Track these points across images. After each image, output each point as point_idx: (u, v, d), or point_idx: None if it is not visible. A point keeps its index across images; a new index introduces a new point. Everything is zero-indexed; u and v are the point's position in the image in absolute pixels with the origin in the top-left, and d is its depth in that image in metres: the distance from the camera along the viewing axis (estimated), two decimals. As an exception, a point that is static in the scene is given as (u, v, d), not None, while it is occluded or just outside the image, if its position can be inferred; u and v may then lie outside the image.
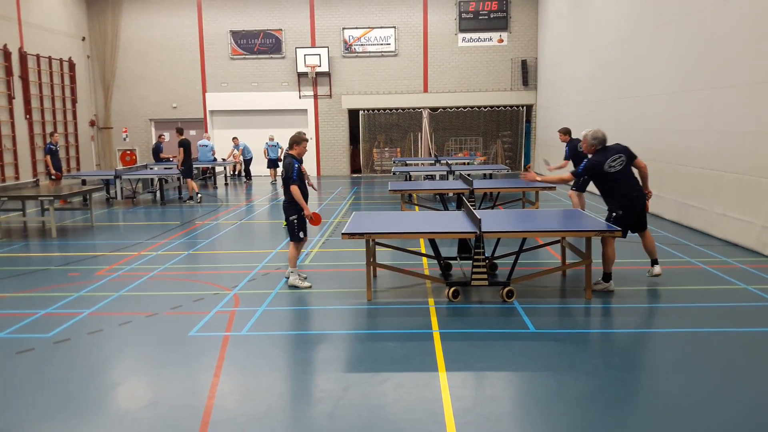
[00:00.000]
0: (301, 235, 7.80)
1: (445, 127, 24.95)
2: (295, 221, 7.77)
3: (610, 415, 4.42)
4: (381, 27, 23.81)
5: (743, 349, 5.62)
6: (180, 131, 16.71)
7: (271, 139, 22.19)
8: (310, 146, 24.40)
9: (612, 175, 7.33)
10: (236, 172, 23.73)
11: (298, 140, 7.76)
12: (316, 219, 7.75)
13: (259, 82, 24.23)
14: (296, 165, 7.64)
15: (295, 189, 7.58)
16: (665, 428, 4.22)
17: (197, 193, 16.42)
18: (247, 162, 22.33)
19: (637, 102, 13.79)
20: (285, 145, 23.13)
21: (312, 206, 14.90)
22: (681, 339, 5.97)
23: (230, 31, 23.95)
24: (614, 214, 7.37)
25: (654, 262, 7.66)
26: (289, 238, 7.93)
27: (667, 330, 6.20)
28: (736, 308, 6.76)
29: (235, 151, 22.32)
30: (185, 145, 16.07)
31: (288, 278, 7.87)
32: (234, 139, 22.55)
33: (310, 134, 24.42)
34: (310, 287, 7.70)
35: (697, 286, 7.56)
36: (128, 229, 12.88)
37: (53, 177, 15.91)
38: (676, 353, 5.63)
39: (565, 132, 12.30)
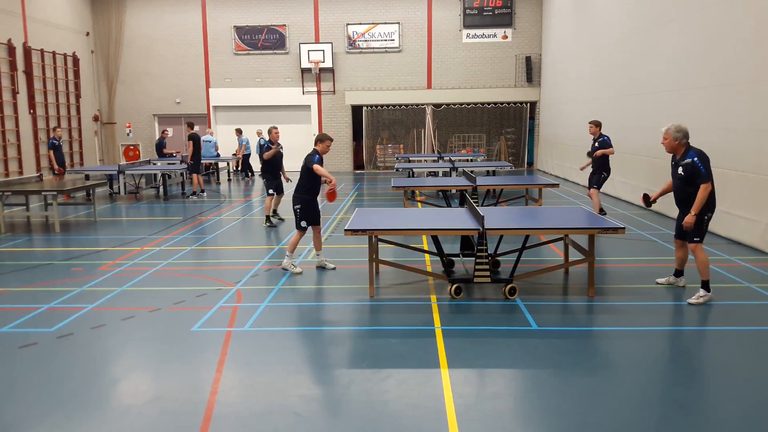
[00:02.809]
0: (303, 224, 8.26)
1: (448, 123, 24.91)
2: (299, 211, 8.27)
3: (613, 413, 4.41)
4: (385, 23, 23.77)
5: (746, 348, 5.61)
6: (191, 125, 16.80)
7: (259, 134, 22.28)
8: (311, 142, 24.37)
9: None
10: (238, 168, 23.65)
11: (321, 138, 8.46)
12: (331, 196, 8.30)
13: (262, 78, 24.22)
14: (317, 156, 8.33)
15: (317, 167, 8.17)
16: (668, 427, 4.22)
17: (201, 190, 16.50)
18: (246, 156, 22.14)
19: (641, 99, 13.75)
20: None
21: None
22: (684, 337, 5.97)
23: (234, 26, 23.93)
24: (705, 217, 6.90)
25: (682, 273, 7.47)
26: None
27: (669, 328, 6.19)
28: (740, 306, 6.75)
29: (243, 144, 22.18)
30: (196, 138, 16.20)
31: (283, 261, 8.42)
32: (237, 130, 22.32)
33: (313, 130, 24.40)
34: (300, 273, 8.21)
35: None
36: (131, 224, 12.89)
37: (56, 172, 15.93)
38: (678, 351, 5.62)
39: (597, 124, 11.54)
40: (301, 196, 8.34)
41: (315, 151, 8.38)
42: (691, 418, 4.36)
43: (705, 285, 6.86)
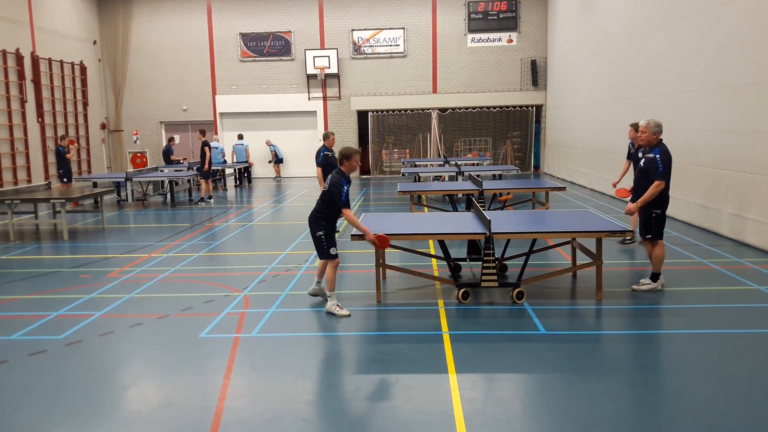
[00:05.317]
0: (333, 252, 6.73)
1: (454, 127, 24.91)
2: (323, 237, 6.73)
3: (622, 418, 4.40)
4: (390, 28, 23.81)
5: (756, 351, 5.57)
6: (203, 132, 17.15)
7: (268, 143, 23.45)
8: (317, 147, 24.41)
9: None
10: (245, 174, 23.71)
11: (347, 155, 6.66)
12: (381, 242, 6.52)
13: (268, 84, 24.29)
14: (345, 187, 6.59)
15: (348, 213, 6.58)
16: (678, 430, 4.19)
17: (209, 197, 16.65)
18: (240, 163, 22.39)
19: (647, 102, 13.71)
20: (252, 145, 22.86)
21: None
22: (693, 340, 5.93)
23: (240, 33, 24.03)
24: (653, 214, 7.10)
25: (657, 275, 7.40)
26: (318, 256, 6.92)
27: (678, 331, 6.15)
28: (749, 309, 6.71)
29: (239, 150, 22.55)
30: (210, 145, 16.77)
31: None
32: (238, 136, 22.88)
33: (319, 136, 24.44)
34: (348, 316, 6.67)
35: (709, 287, 7.50)
36: (139, 231, 12.95)
37: (65, 180, 15.98)
38: (687, 354, 5.59)
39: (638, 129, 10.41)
40: (323, 223, 6.74)
41: (340, 175, 6.65)
42: (700, 421, 4.33)
43: (653, 276, 7.26)
